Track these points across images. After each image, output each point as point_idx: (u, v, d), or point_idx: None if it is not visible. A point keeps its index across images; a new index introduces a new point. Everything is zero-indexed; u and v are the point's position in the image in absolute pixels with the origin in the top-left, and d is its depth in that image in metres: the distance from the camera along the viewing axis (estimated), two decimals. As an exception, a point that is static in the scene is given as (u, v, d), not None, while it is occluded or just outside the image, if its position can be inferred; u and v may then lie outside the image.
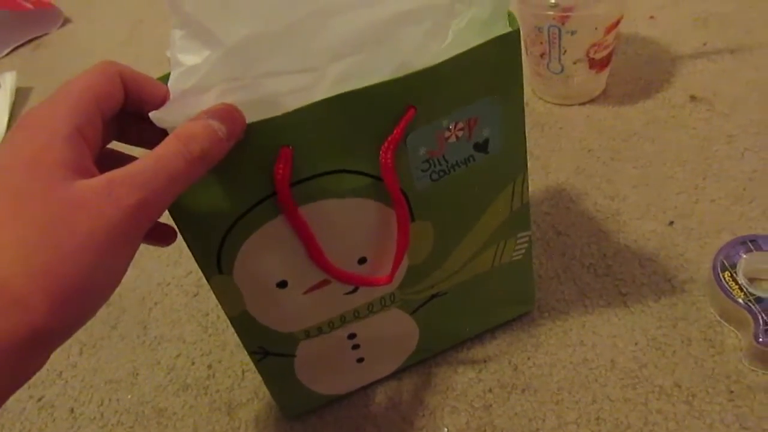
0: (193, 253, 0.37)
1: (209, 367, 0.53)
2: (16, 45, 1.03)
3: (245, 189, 0.34)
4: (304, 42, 0.31)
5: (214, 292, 0.39)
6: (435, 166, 0.37)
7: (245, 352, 0.43)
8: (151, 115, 0.31)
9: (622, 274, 0.51)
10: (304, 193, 0.35)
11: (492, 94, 0.36)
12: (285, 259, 0.38)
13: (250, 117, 0.31)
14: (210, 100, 0.31)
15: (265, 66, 0.31)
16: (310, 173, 0.34)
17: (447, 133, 0.36)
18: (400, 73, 0.33)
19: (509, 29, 0.34)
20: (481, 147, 0.38)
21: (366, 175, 0.36)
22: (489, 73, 0.35)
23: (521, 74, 0.36)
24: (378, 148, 0.35)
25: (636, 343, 0.47)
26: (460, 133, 0.36)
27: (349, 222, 0.38)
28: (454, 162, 0.37)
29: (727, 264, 0.47)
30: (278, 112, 0.32)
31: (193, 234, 0.36)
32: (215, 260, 0.37)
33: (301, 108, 0.32)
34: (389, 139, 0.34)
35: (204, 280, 0.59)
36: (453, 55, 0.33)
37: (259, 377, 0.50)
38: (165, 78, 0.38)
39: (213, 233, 0.36)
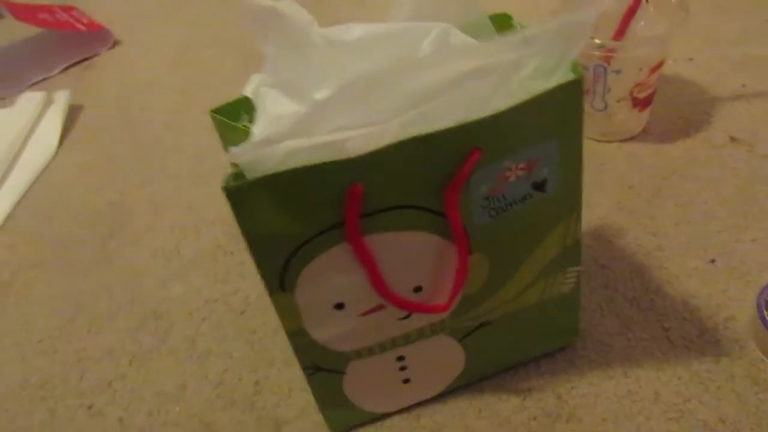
0: (258, 269, 0.39)
1: (256, 383, 0.54)
2: (68, 64, 1.07)
3: (314, 217, 0.36)
4: (376, 99, 0.33)
5: (274, 307, 0.41)
6: (494, 203, 0.39)
7: (292, 370, 0.45)
8: (230, 151, 0.34)
9: (664, 309, 0.52)
10: (370, 225, 0.37)
11: (554, 137, 0.38)
12: (345, 283, 0.40)
13: (322, 158, 0.34)
14: (283, 150, 0.34)
15: (338, 121, 0.34)
16: (377, 208, 0.36)
17: (508, 173, 0.38)
18: (467, 120, 0.35)
19: (573, 76, 0.36)
20: (539, 186, 0.39)
21: (429, 211, 0.38)
22: (552, 117, 0.37)
23: (582, 119, 0.38)
24: (442, 186, 0.37)
25: (679, 378, 0.48)
26: (520, 173, 0.38)
27: (410, 253, 0.39)
28: (513, 200, 0.39)
29: (770, 303, 0.48)
30: (347, 155, 0.34)
31: (260, 252, 0.38)
32: (278, 278, 0.39)
33: (371, 151, 0.34)
34: (455, 179, 0.36)
35: (251, 299, 0.62)
36: (518, 102, 0.35)
37: (306, 395, 0.52)
38: (238, 102, 0.40)
39: (279, 253, 0.38)
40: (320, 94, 0.34)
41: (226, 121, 0.40)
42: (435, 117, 0.35)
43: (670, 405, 0.46)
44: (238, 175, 0.35)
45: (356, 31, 0.38)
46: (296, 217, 0.36)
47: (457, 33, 0.39)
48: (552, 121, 0.37)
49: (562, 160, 0.39)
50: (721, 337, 0.50)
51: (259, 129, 0.36)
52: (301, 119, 0.33)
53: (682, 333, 0.51)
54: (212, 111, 0.40)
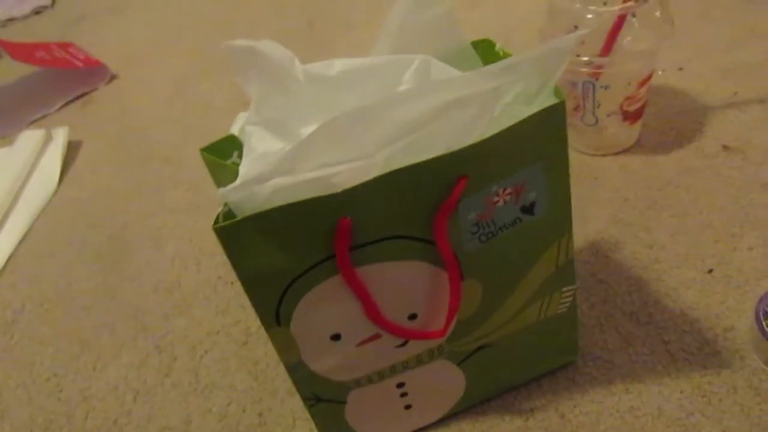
0: (253, 306, 0.39)
1: (260, 415, 0.55)
2: (67, 100, 1.08)
3: (306, 252, 0.37)
4: (359, 135, 0.34)
5: (272, 342, 0.41)
6: (484, 228, 0.39)
7: (295, 400, 0.45)
8: (218, 192, 0.34)
9: (664, 322, 0.52)
10: (361, 256, 0.37)
11: (539, 160, 0.38)
12: (340, 315, 0.40)
13: (310, 193, 0.34)
14: (270, 188, 0.34)
15: (323, 158, 0.34)
16: (367, 240, 0.37)
17: (496, 198, 0.38)
18: (451, 149, 0.35)
19: (555, 100, 0.37)
20: (528, 210, 0.40)
21: (419, 240, 0.38)
22: (536, 141, 0.37)
23: (566, 141, 0.38)
24: (431, 214, 0.37)
25: (681, 391, 0.48)
26: (508, 198, 0.38)
27: (402, 282, 0.40)
28: (502, 224, 0.39)
29: (768, 313, 0.48)
30: (334, 190, 0.34)
31: (254, 289, 0.38)
32: (274, 313, 0.39)
33: (358, 185, 0.34)
34: (443, 208, 0.36)
35: (252, 329, 0.62)
36: (501, 129, 0.36)
37: (310, 425, 0.52)
38: (227, 140, 0.41)
39: (273, 289, 0.38)
40: (305, 131, 0.35)
41: (216, 159, 0.41)
42: (420, 148, 0.35)
43: (673, 420, 0.46)
44: (227, 214, 0.36)
45: (338, 66, 0.39)
46: (288, 253, 0.36)
47: (438, 64, 0.40)
48: (536, 144, 0.37)
49: (549, 182, 0.39)
50: (722, 349, 0.50)
51: (245, 167, 0.37)
52: (287, 157, 0.33)
53: (682, 346, 0.51)
54: (202, 149, 0.41)
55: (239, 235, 0.35)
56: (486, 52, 0.44)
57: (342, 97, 0.37)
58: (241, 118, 0.39)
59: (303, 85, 0.37)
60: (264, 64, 0.36)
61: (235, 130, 0.40)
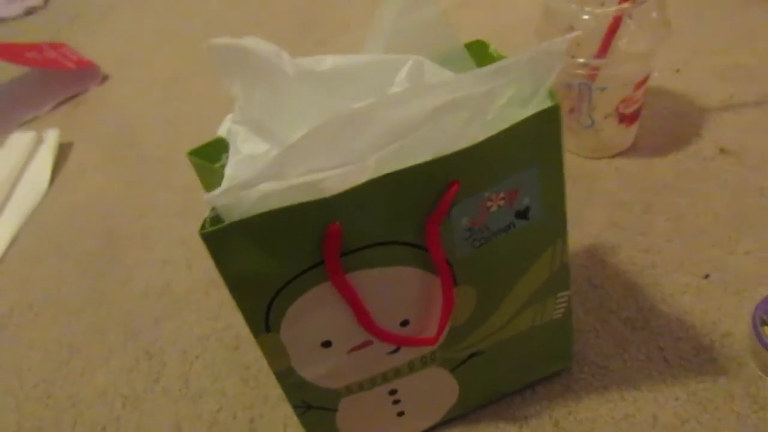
0: (242, 313, 0.38)
1: (251, 421, 0.54)
2: (58, 101, 1.07)
3: (295, 257, 0.36)
4: (349, 139, 0.33)
5: (260, 349, 0.40)
6: (477, 234, 0.38)
7: (287, 406, 0.44)
8: (205, 197, 0.33)
9: (659, 328, 0.52)
10: (352, 262, 0.36)
11: (533, 165, 0.37)
12: (331, 321, 0.39)
13: (298, 199, 0.33)
14: (257, 193, 0.33)
15: (312, 163, 0.33)
16: (357, 245, 0.36)
17: (489, 203, 0.37)
18: (443, 153, 0.34)
19: (550, 103, 0.36)
20: (522, 214, 0.39)
21: (411, 245, 0.37)
22: (530, 145, 0.36)
23: (561, 145, 0.38)
24: (422, 220, 0.36)
25: (677, 399, 0.47)
26: (501, 203, 0.37)
27: (394, 288, 0.39)
28: (496, 230, 0.39)
29: (766, 319, 0.48)
30: (323, 195, 0.33)
31: (242, 295, 0.37)
32: (263, 320, 0.38)
33: (348, 190, 0.34)
34: (435, 213, 0.36)
35: (244, 334, 0.61)
36: (494, 132, 0.35)
37: (301, 432, 0.51)
38: (214, 143, 0.40)
39: (262, 295, 0.37)
40: (292, 132, 0.33)
41: (204, 162, 0.40)
42: (412, 152, 0.34)
43: (668, 427, 0.46)
44: (215, 219, 0.35)
45: (329, 62, 0.37)
46: (276, 259, 0.35)
47: (431, 65, 0.39)
48: (530, 148, 0.37)
49: (543, 187, 0.38)
50: (718, 355, 0.49)
51: (231, 169, 0.36)
52: (276, 161, 0.32)
53: (678, 352, 0.50)
54: (189, 153, 0.40)
55: (226, 240, 0.34)
56: (479, 53, 0.43)
57: (331, 97, 0.36)
58: (228, 120, 0.38)
59: (291, 81, 0.35)
60: (249, 61, 0.35)
61: (222, 132, 0.39)
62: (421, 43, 0.40)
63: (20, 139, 0.96)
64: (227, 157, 0.39)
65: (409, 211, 0.36)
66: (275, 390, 0.55)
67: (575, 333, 0.52)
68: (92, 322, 0.67)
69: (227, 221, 0.34)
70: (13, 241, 0.81)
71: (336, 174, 0.33)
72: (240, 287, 0.37)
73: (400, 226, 0.36)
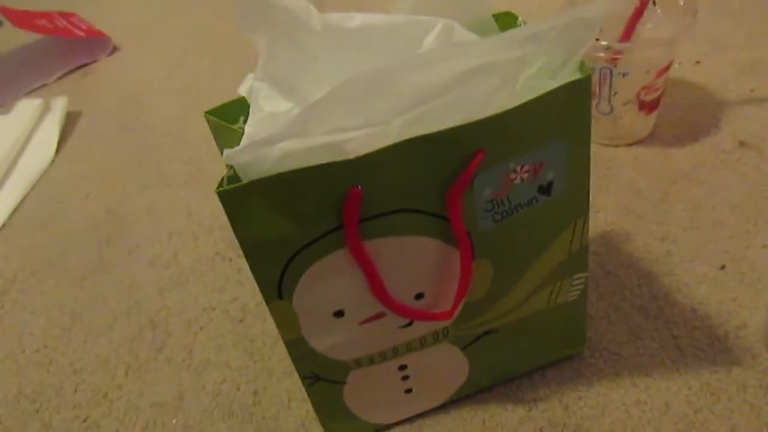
0: (255, 277, 0.37)
1: (255, 393, 0.53)
2: (67, 70, 1.06)
3: (313, 221, 0.35)
4: (374, 99, 0.32)
5: (272, 316, 0.39)
6: (498, 207, 0.37)
7: (292, 380, 0.44)
8: (225, 154, 0.32)
9: (674, 317, 0.51)
10: (371, 229, 0.36)
11: (559, 138, 0.36)
12: (344, 290, 0.38)
13: (320, 160, 0.32)
14: (279, 151, 0.32)
15: (336, 122, 0.32)
16: (377, 211, 0.35)
17: (513, 175, 0.36)
18: (470, 119, 0.33)
19: (579, 75, 0.35)
20: (545, 190, 0.38)
21: (431, 214, 0.36)
22: (558, 118, 0.35)
23: (590, 119, 0.37)
24: (444, 189, 0.35)
25: (690, 388, 0.46)
26: (525, 176, 0.37)
27: (411, 259, 0.38)
28: (518, 203, 0.38)
29: (783, 311, 0.47)
30: (346, 156, 0.32)
31: (257, 258, 0.36)
32: (276, 285, 0.37)
33: (371, 153, 0.33)
34: (458, 182, 0.35)
35: (250, 307, 0.61)
36: (523, 101, 0.34)
37: (306, 406, 0.50)
38: (234, 103, 0.39)
39: (277, 259, 0.36)
40: (316, 90, 0.32)
41: (221, 122, 0.39)
42: (437, 117, 0.33)
43: (680, 416, 0.45)
44: (232, 178, 0.34)
45: (358, 19, 0.36)
46: (294, 221, 0.35)
47: (461, 29, 0.38)
48: (558, 121, 0.36)
49: (568, 162, 0.38)
50: (733, 346, 0.48)
51: (251, 126, 0.35)
52: (298, 119, 0.31)
53: (692, 341, 0.49)
54: (207, 112, 0.39)
55: (244, 200, 0.33)
56: (507, 26, 0.42)
57: (358, 56, 0.35)
58: (250, 78, 0.37)
59: (318, 38, 0.34)
60: (275, 14, 0.34)
61: (243, 91, 0.38)
62: (449, 9, 0.39)
63: (28, 106, 0.94)
64: (245, 120, 0.39)
65: (432, 178, 0.35)
66: (280, 364, 0.54)
67: (588, 319, 0.52)
68: (96, 290, 0.66)
69: (245, 180, 0.33)
70: (18, 208, 0.80)
71: (359, 135, 0.32)
72: (255, 250, 0.36)
73: (421, 193, 0.35)
